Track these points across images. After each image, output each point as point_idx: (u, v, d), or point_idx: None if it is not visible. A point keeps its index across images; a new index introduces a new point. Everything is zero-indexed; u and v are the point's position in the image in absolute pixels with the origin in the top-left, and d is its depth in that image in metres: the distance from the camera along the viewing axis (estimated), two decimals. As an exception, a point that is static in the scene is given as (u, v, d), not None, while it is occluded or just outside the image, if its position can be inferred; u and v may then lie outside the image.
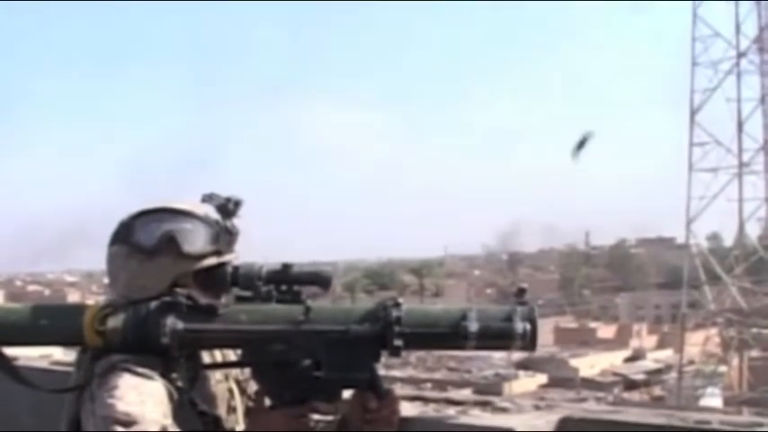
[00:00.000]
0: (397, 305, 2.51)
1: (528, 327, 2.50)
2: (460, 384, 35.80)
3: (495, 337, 2.52)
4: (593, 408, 2.89)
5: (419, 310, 2.59)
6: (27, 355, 2.86)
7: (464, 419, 2.74)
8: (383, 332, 2.48)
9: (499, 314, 2.53)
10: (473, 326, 2.49)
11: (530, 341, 2.51)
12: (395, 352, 2.49)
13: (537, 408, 2.85)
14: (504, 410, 2.83)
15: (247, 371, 2.76)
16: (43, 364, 4.40)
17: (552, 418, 2.67)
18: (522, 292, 2.57)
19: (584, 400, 32.57)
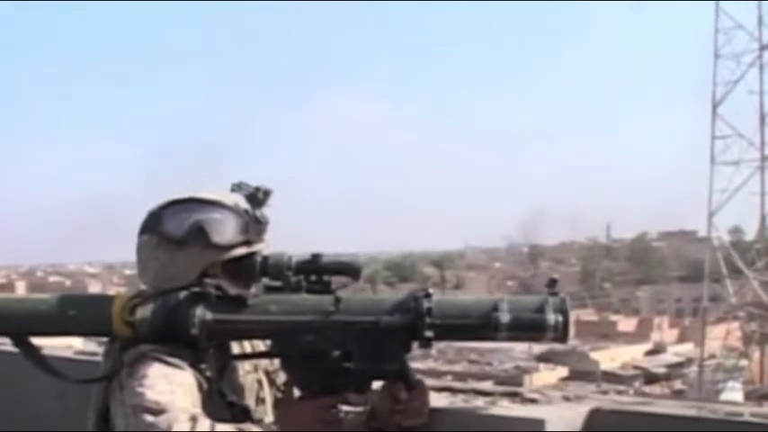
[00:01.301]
0: (428, 296, 2.49)
1: (560, 318, 2.47)
2: (481, 377, 35.70)
3: (527, 328, 2.48)
4: (622, 399, 2.86)
5: (450, 301, 2.57)
6: (50, 344, 2.86)
7: (493, 410, 2.72)
8: (414, 323, 2.46)
9: (531, 305, 2.50)
10: (504, 317, 2.46)
11: (561, 333, 2.48)
12: (425, 343, 2.47)
13: (566, 399, 2.83)
14: (533, 401, 2.81)
15: (276, 362, 2.74)
16: (68, 354, 4.40)
17: (582, 410, 2.64)
18: (553, 282, 2.54)
19: (605, 393, 32.44)
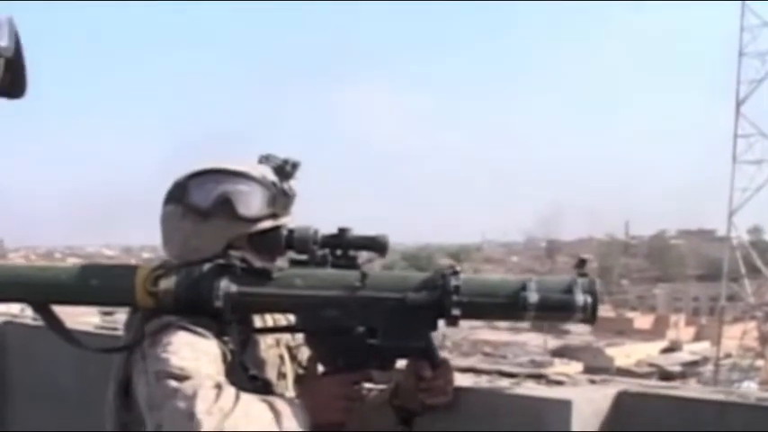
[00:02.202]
0: (456, 273, 2.46)
1: (589, 299, 2.43)
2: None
3: (555, 308, 2.45)
4: (649, 383, 2.83)
5: (478, 280, 2.54)
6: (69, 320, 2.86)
7: (519, 391, 2.69)
8: (441, 301, 2.43)
9: (560, 285, 2.47)
10: (533, 296, 2.42)
11: (590, 314, 2.44)
12: (452, 321, 2.44)
13: (592, 382, 2.81)
14: (558, 383, 2.78)
15: (299, 337, 2.71)
16: (87, 328, 4.40)
17: (609, 392, 2.62)
18: (582, 263, 2.51)
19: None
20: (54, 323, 2.63)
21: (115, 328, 4.23)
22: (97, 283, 2.54)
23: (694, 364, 50.36)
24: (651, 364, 49.61)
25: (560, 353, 48.21)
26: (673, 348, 55.15)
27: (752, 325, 45.45)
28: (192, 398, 2.21)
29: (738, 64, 42.40)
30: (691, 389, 2.69)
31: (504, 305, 2.47)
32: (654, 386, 2.72)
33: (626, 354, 50.19)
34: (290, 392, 2.67)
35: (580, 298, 2.43)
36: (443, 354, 2.59)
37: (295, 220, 2.65)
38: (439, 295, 2.44)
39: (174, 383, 2.26)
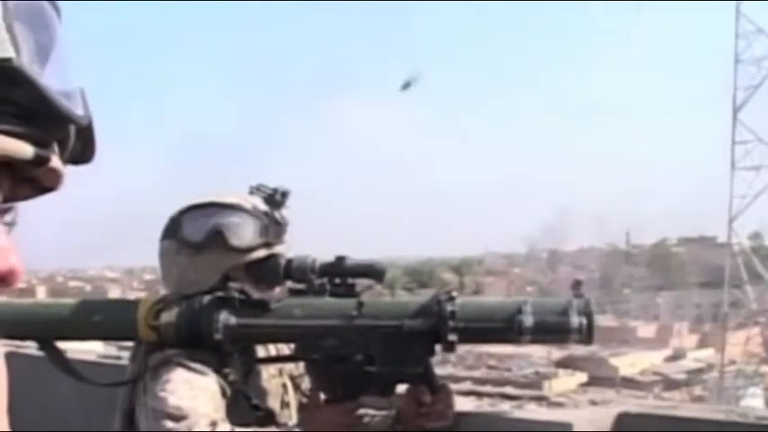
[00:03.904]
0: (452, 299, 2.49)
1: (584, 321, 2.46)
2: (500, 382, 35.56)
3: (551, 331, 2.48)
4: (649, 403, 2.84)
5: (474, 304, 2.57)
6: (72, 348, 2.88)
7: (520, 414, 2.71)
8: (437, 327, 2.46)
9: (555, 307, 2.49)
10: (528, 320, 2.44)
11: (586, 335, 2.47)
12: (449, 347, 2.47)
13: (593, 403, 2.82)
14: (559, 405, 2.80)
15: (302, 366, 2.75)
16: (90, 357, 4.42)
17: (609, 413, 2.64)
18: (578, 284, 2.53)
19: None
20: (59, 360, 2.66)
21: (118, 357, 4.24)
22: (100, 319, 2.58)
23: (699, 371, 50.23)
24: (656, 373, 49.48)
25: (564, 363, 48.10)
26: (677, 356, 55.03)
27: (755, 331, 45.40)
28: None
29: (734, 70, 42.48)
30: (691, 408, 2.70)
31: (500, 329, 2.49)
32: (654, 406, 2.74)
33: (630, 363, 50.06)
34: (294, 421, 2.70)
35: (575, 320, 2.45)
36: (448, 368, 2.60)
37: (291, 248, 2.68)
38: (435, 321, 2.46)
39: (170, 423, 2.32)
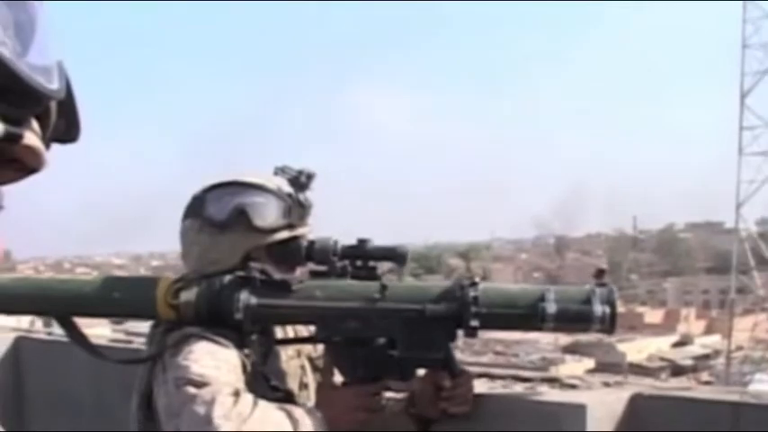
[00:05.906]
0: (474, 284, 2.47)
1: (607, 310, 2.44)
2: (508, 368, 35.45)
3: (573, 319, 2.46)
4: (662, 385, 2.86)
5: (496, 290, 2.55)
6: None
7: (534, 396, 2.73)
8: (460, 312, 2.45)
9: (578, 296, 2.47)
10: (551, 307, 2.43)
11: (609, 324, 2.45)
12: (471, 332, 2.46)
13: (606, 385, 2.84)
14: (572, 387, 2.82)
15: (320, 348, 2.73)
16: (101, 342, 4.44)
17: (623, 395, 2.65)
18: (601, 273, 2.52)
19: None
20: (77, 336, 2.66)
21: (129, 341, 4.26)
22: (119, 296, 2.57)
23: (706, 357, 50.18)
24: (663, 359, 49.41)
25: (572, 349, 48.07)
26: (684, 342, 54.93)
27: (762, 317, 45.32)
28: (210, 403, 2.24)
29: (742, 56, 42.32)
30: (704, 390, 2.71)
31: (522, 316, 2.48)
32: (667, 388, 2.75)
33: (637, 349, 49.99)
34: (312, 403, 2.70)
35: (598, 309, 2.43)
36: (455, 353, 2.61)
37: (314, 230, 2.69)
38: (458, 306, 2.45)
39: (192, 390, 2.29)
